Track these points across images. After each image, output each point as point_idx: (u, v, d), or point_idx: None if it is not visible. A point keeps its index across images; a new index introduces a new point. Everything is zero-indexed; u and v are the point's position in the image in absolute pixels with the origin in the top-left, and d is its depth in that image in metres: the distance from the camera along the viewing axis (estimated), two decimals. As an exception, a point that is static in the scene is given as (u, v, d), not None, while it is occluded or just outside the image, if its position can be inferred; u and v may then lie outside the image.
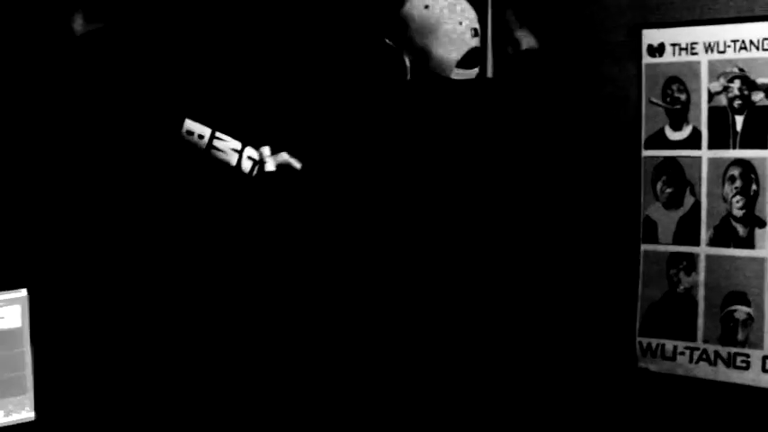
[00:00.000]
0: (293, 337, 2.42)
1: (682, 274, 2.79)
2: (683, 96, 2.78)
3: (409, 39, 2.16)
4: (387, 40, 2.17)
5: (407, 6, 2.20)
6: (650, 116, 2.83)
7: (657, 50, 2.82)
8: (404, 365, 2.27)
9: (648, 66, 2.84)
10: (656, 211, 2.83)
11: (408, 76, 2.17)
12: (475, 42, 2.19)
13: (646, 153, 2.84)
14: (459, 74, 2.15)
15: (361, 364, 2.24)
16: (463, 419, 2.37)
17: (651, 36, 2.83)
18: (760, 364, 2.66)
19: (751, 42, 2.66)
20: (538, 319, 2.88)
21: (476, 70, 2.21)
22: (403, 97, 2.18)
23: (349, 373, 2.26)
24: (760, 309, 2.66)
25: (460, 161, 2.19)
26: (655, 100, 2.82)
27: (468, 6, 2.25)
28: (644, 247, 2.85)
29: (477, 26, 2.21)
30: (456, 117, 2.18)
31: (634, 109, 2.86)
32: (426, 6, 2.16)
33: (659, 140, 2.82)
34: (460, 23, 2.15)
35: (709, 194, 2.74)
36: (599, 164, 2.91)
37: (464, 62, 2.16)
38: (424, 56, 2.14)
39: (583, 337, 2.93)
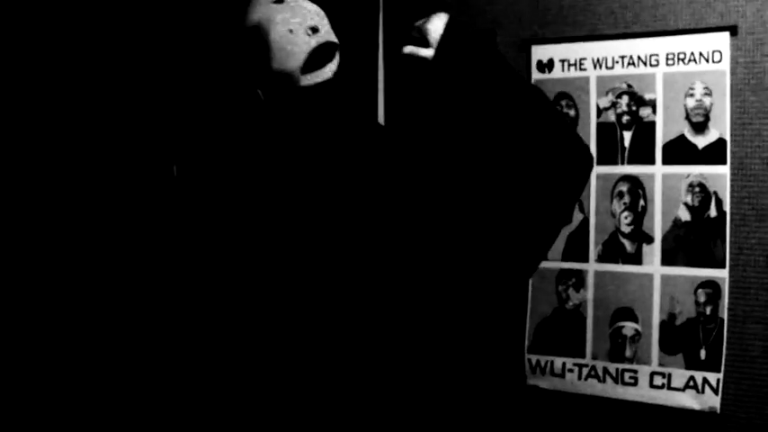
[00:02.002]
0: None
1: (571, 291, 2.78)
2: (571, 112, 2.78)
3: (248, 62, 2.06)
4: (233, 67, 2.08)
5: (237, 29, 2.11)
6: (539, 131, 2.82)
7: (547, 66, 2.82)
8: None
9: (537, 81, 2.83)
10: (545, 226, 2.81)
11: (262, 98, 2.06)
12: (315, 41, 2.08)
13: (535, 169, 2.82)
14: (309, 79, 2.04)
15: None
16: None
17: (540, 52, 2.83)
18: (648, 379, 2.67)
19: (639, 58, 2.68)
20: (424, 334, 2.82)
21: (330, 67, 2.09)
22: (261, 119, 2.08)
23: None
24: (647, 325, 2.67)
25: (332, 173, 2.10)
26: (544, 115, 2.81)
27: (299, 6, 2.13)
28: (533, 263, 2.83)
29: (312, 23, 2.09)
30: (325, 127, 2.10)
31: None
32: (252, 26, 2.06)
33: (548, 156, 2.80)
34: (290, 30, 2.05)
35: (598, 210, 2.74)
36: (487, 182, 2.87)
37: (309, 65, 2.04)
38: (265, 78, 2.04)
39: (471, 353, 2.87)
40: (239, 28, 2.06)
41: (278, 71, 1.97)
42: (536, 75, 2.83)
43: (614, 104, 2.72)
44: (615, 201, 2.71)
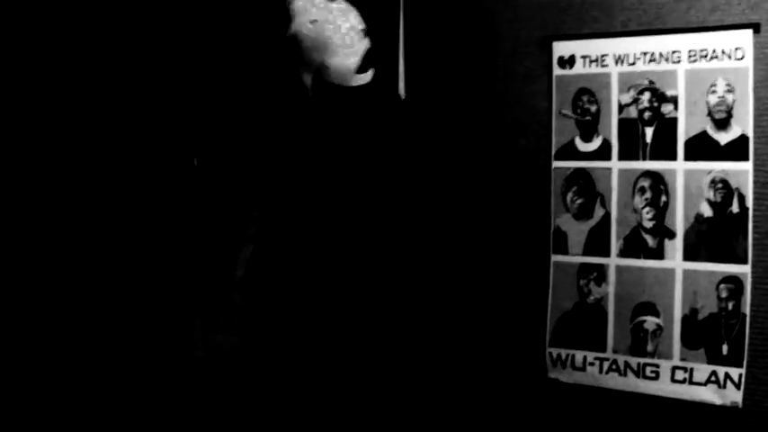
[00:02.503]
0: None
1: (592, 285, 2.80)
2: (593, 108, 2.79)
3: (305, 57, 2.08)
4: (283, 63, 2.09)
5: (294, 26, 2.12)
6: (560, 128, 2.84)
7: (568, 62, 2.83)
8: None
9: (559, 77, 2.84)
10: (566, 222, 2.83)
11: (310, 94, 2.09)
12: (366, 43, 2.12)
13: (556, 164, 2.84)
14: (358, 79, 2.08)
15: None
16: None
17: (562, 48, 2.84)
18: (669, 374, 2.69)
19: (661, 55, 2.70)
20: (448, 329, 2.84)
21: (371, 73, 2.14)
22: (308, 115, 2.10)
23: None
24: (669, 319, 2.69)
25: (372, 172, 2.13)
26: (565, 111, 2.83)
27: (349, 8, 2.18)
28: (554, 257, 2.85)
29: (364, 26, 2.14)
30: (365, 127, 2.13)
31: (545, 120, 2.86)
32: (312, 21, 2.09)
33: (569, 152, 2.82)
34: (350, 29, 2.08)
35: (620, 205, 2.76)
36: (509, 175, 2.90)
37: (361, 67, 2.09)
38: (322, 70, 2.06)
39: (493, 347, 2.90)
40: (292, 23, 2.07)
41: (336, 68, 2.00)
42: (557, 71, 2.84)
43: (636, 101, 2.73)
44: (637, 196, 2.73)
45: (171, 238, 2.50)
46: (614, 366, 2.77)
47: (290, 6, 2.12)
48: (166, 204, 2.54)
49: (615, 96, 2.77)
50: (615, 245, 2.77)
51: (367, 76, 2.08)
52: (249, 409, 2.28)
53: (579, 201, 2.81)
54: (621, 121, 2.76)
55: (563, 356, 2.84)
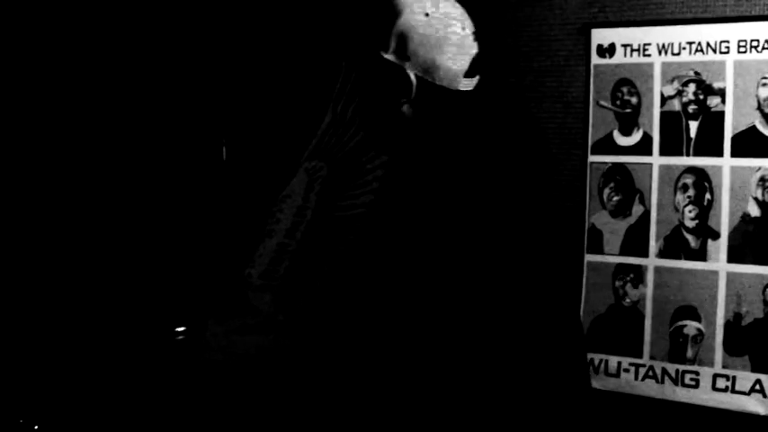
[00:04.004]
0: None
1: (628, 287, 2.66)
2: (633, 99, 2.65)
3: (412, 52, 1.91)
4: (386, 56, 1.93)
5: (405, 18, 1.95)
6: (598, 120, 2.69)
7: (607, 51, 2.68)
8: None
9: (597, 67, 2.69)
10: (601, 219, 2.69)
11: (413, 94, 1.93)
12: (477, 48, 1.97)
13: (592, 158, 2.70)
14: (465, 84, 1.92)
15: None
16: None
17: (601, 36, 2.69)
18: (710, 382, 2.55)
19: (708, 45, 2.55)
20: (474, 332, 2.69)
21: (477, 79, 1.99)
22: (412, 117, 1.94)
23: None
24: (711, 324, 2.55)
25: (472, 182, 1.99)
26: (603, 103, 2.68)
27: (461, 8, 2.03)
28: (588, 257, 2.71)
29: (475, 29, 1.99)
30: (461, 130, 1.97)
31: (581, 112, 2.71)
32: (426, 15, 1.93)
33: (607, 145, 2.68)
34: (463, 29, 1.93)
35: (660, 203, 2.61)
36: (541, 170, 2.74)
37: (469, 71, 1.93)
38: (430, 69, 1.90)
39: (520, 351, 2.75)
40: (401, 15, 1.91)
41: (448, 68, 1.85)
42: (595, 60, 2.69)
43: (680, 93, 2.59)
44: (679, 193, 2.59)
45: (191, 232, 2.36)
46: (651, 373, 2.63)
47: None
48: (187, 197, 2.40)
49: (658, 88, 2.62)
50: (654, 245, 2.62)
51: (473, 82, 1.93)
52: (272, 413, 2.14)
53: (616, 198, 2.67)
54: (664, 114, 2.61)
55: (596, 362, 2.70)
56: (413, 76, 1.91)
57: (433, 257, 2.30)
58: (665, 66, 2.61)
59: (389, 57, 1.92)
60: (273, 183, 2.19)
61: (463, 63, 1.90)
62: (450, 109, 1.94)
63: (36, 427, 2.34)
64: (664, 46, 2.61)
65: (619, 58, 2.67)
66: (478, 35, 1.94)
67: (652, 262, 2.63)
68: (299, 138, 2.09)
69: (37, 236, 2.49)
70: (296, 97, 2.26)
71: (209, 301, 2.27)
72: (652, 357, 2.63)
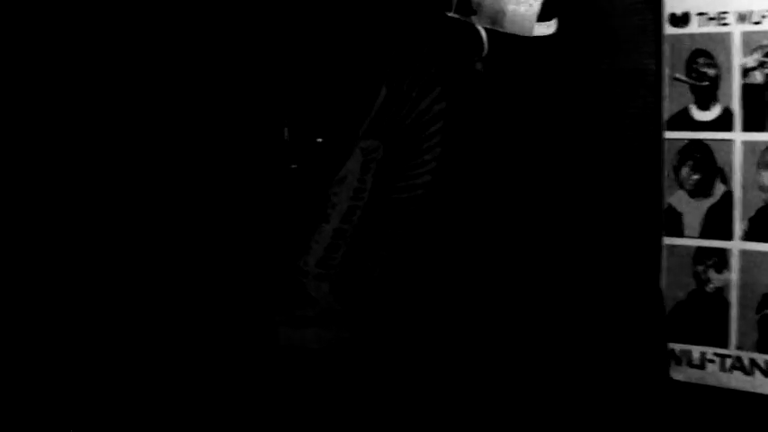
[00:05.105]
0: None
1: (711, 272, 2.48)
2: (711, 72, 2.47)
3: (476, 5, 1.77)
4: (451, 14, 1.79)
5: None
6: (673, 94, 2.52)
7: (681, 20, 2.51)
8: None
9: (671, 37, 2.52)
10: (680, 200, 2.52)
11: (486, 49, 1.79)
12: None
13: (668, 135, 2.53)
14: (540, 29, 1.77)
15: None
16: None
17: (674, 4, 2.52)
18: (804, 372, 2.38)
19: (793, 11, 2.37)
20: (553, 323, 2.55)
21: (555, 22, 1.83)
22: (485, 74, 1.81)
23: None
24: (803, 311, 2.37)
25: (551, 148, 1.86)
26: (679, 76, 2.51)
27: None
28: (667, 240, 2.53)
29: None
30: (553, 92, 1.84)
31: (654, 86, 2.54)
32: None
33: (684, 121, 2.50)
34: None
35: (744, 182, 2.43)
36: (614, 147, 2.59)
37: (543, 13, 1.78)
38: (498, 18, 1.76)
39: (599, 342, 2.59)
40: None
41: (515, 13, 1.71)
42: (669, 29, 2.52)
43: (762, 64, 2.40)
44: (764, 171, 2.40)
45: (253, 222, 2.27)
46: (738, 364, 2.45)
47: None
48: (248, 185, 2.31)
49: (737, 59, 2.44)
50: (739, 227, 2.44)
51: (550, 26, 1.79)
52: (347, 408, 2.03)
53: (695, 176, 2.49)
54: (745, 87, 2.43)
55: (677, 352, 2.53)
56: (482, 31, 1.77)
57: (498, 242, 2.16)
58: (745, 35, 2.42)
59: (454, 15, 1.79)
60: (328, 163, 2.07)
61: (534, 5, 1.75)
62: (524, 60, 1.80)
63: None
64: (743, 14, 2.42)
65: (694, 27, 2.49)
66: None
67: (737, 245, 2.45)
68: (353, 114, 1.97)
69: (106, 234, 2.45)
70: (349, 71, 2.14)
71: (267, 291, 2.17)
72: (739, 347, 2.45)
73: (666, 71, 2.52)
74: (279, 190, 2.16)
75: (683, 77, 2.50)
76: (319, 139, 2.09)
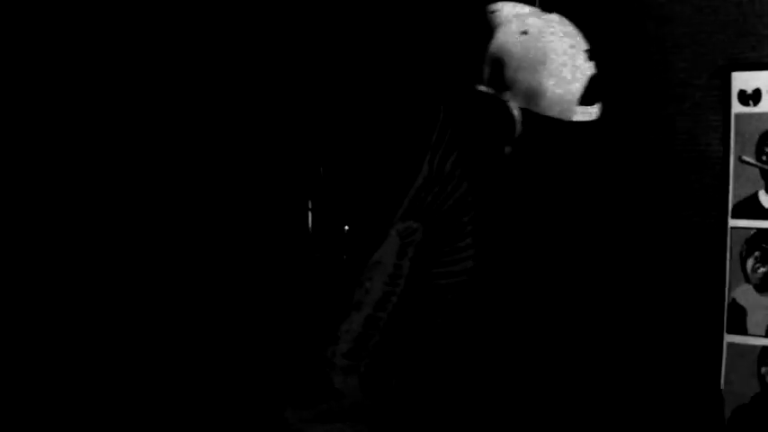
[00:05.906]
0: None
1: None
2: (784, 156, 2.28)
3: (510, 80, 1.60)
4: (481, 88, 1.61)
5: (499, 39, 1.64)
6: (741, 178, 2.32)
7: (752, 98, 2.32)
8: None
9: (740, 116, 2.33)
10: (745, 294, 2.31)
11: (518, 131, 1.61)
12: (592, 68, 1.64)
13: (734, 223, 2.32)
14: (582, 113, 1.60)
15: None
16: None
17: (744, 80, 2.33)
18: None
19: None
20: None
21: (598, 107, 1.66)
22: (516, 158, 1.64)
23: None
24: None
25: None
26: (747, 158, 2.31)
27: (567, 21, 1.71)
28: (728, 338, 2.32)
29: (587, 45, 1.67)
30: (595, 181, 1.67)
31: (720, 169, 2.35)
32: (524, 32, 1.62)
33: (752, 208, 2.30)
34: (572, 46, 1.61)
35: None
36: (675, 235, 2.39)
37: (586, 96, 1.60)
38: (534, 97, 1.59)
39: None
40: (495, 34, 1.62)
41: (554, 94, 1.54)
42: (737, 108, 2.33)
43: (841, 147, 2.21)
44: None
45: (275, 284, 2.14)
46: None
47: (492, 14, 1.66)
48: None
49: (813, 142, 2.24)
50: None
51: (593, 111, 1.62)
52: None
53: (763, 269, 2.29)
54: (822, 173, 2.23)
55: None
56: (515, 110, 1.60)
57: (543, 335, 1.97)
58: (823, 116, 2.23)
59: (485, 89, 1.61)
60: (362, 247, 1.90)
61: (577, 86, 1.58)
62: (563, 147, 1.63)
63: None
64: (822, 92, 2.24)
65: (765, 106, 2.30)
66: (594, 53, 1.62)
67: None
68: (390, 196, 1.80)
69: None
70: (387, 149, 2.00)
71: (288, 383, 1.99)
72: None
73: (733, 153, 2.33)
74: (303, 279, 2.03)
75: (752, 160, 2.31)
76: (347, 227, 1.94)
